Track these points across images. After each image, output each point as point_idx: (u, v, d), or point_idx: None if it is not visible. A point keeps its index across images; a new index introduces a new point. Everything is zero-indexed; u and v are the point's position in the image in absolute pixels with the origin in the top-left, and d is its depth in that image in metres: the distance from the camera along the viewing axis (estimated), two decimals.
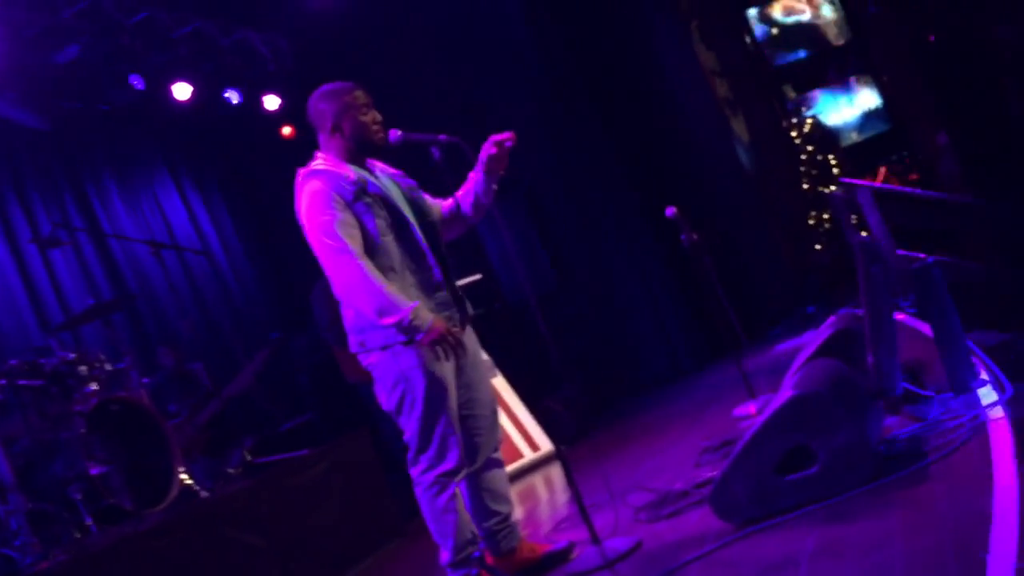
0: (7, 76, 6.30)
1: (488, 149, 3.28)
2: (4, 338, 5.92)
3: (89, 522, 4.32)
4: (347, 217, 3.07)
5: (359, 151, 3.24)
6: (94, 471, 4.42)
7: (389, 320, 3.00)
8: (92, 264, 6.98)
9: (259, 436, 6.29)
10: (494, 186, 3.36)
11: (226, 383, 6.27)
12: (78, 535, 4.22)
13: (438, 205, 3.43)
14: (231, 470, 5.40)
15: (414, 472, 3.18)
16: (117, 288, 7.03)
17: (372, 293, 3.00)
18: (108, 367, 4.89)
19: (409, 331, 3.01)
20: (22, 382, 4.42)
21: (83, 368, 4.73)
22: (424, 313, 3.03)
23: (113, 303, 5.76)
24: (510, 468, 5.69)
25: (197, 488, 4.84)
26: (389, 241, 3.13)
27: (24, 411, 4.32)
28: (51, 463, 4.50)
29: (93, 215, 7.21)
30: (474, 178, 3.34)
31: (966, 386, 3.29)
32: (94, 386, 4.74)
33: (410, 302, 3.02)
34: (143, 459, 4.74)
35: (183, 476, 4.78)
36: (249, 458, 5.38)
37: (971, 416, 3.01)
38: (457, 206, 3.36)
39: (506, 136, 3.27)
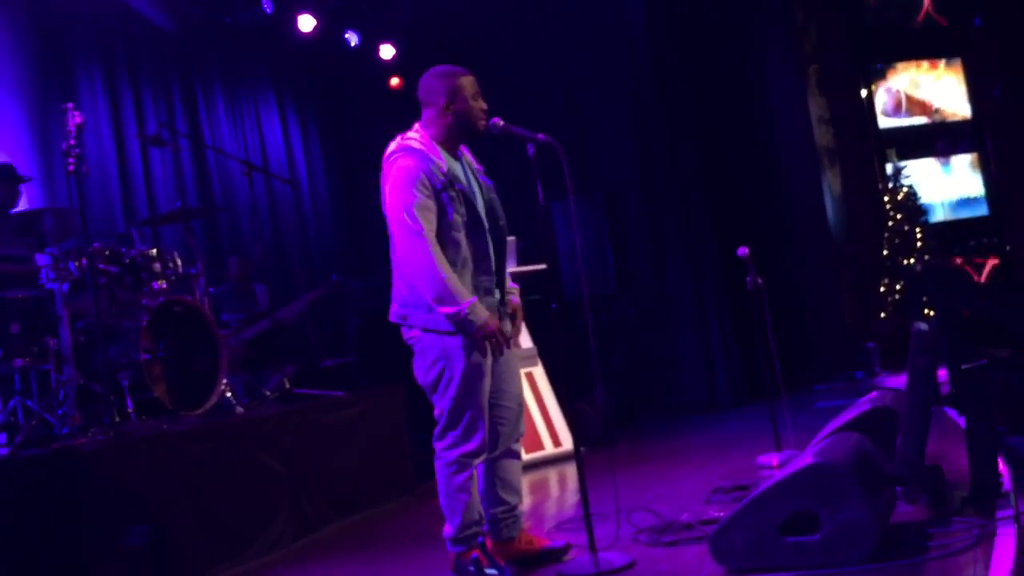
0: None
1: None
2: (91, 221, 6.20)
3: (130, 410, 4.57)
4: (429, 201, 3.20)
5: (459, 134, 3.37)
6: (145, 362, 4.66)
7: (446, 310, 3.13)
8: (186, 169, 7.25)
9: (301, 366, 6.52)
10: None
11: (279, 309, 6.50)
12: (118, 419, 4.43)
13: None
14: (268, 392, 5.62)
15: (438, 447, 3.33)
16: (204, 197, 7.30)
17: (436, 280, 3.13)
18: (180, 270, 5.12)
19: (462, 324, 3.14)
20: (101, 266, 4.63)
21: (157, 265, 4.95)
22: (480, 310, 3.16)
23: (198, 211, 6.00)
24: (529, 457, 5.83)
25: (234, 402, 5.06)
26: (461, 237, 3.26)
27: (96, 293, 4.52)
28: (108, 347, 4.72)
29: (197, 123, 7.47)
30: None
31: (986, 493, 3.32)
32: (163, 284, 4.97)
33: (469, 297, 3.16)
34: (192, 363, 4.96)
35: (224, 388, 5.00)
36: (288, 385, 5.58)
37: (981, 524, 3.05)
38: None
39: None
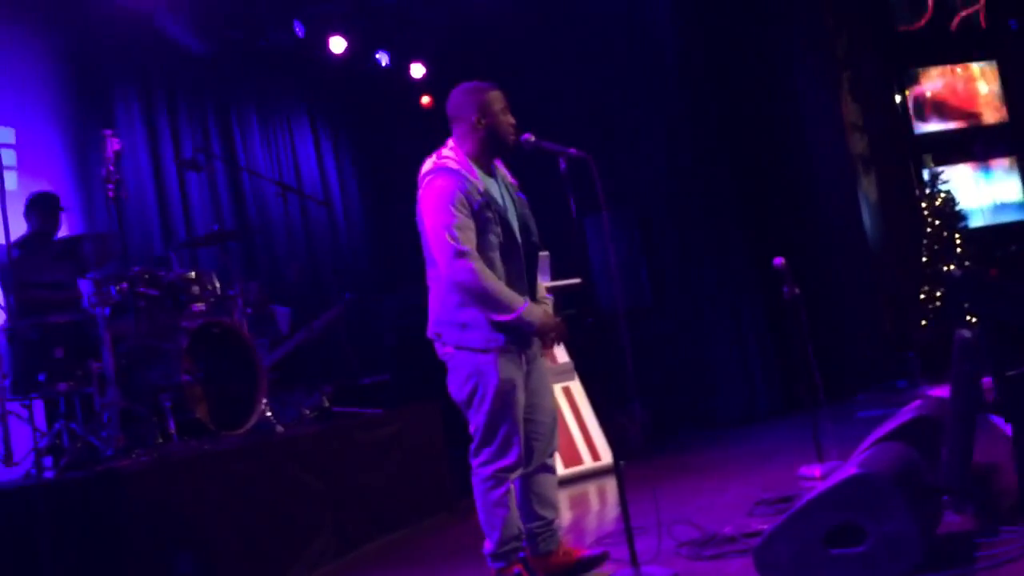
0: None
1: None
2: (130, 245, 6.30)
3: (173, 430, 4.62)
4: (468, 220, 3.23)
5: (491, 149, 3.40)
6: (186, 384, 4.72)
7: (502, 318, 3.20)
8: (222, 192, 7.36)
9: (339, 385, 6.54)
10: None
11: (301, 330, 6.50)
12: (160, 440, 4.50)
13: None
14: (307, 411, 5.66)
15: (474, 463, 3.34)
16: (240, 219, 7.40)
17: (486, 294, 3.18)
18: (218, 291, 5.18)
19: (521, 328, 3.23)
20: (141, 289, 4.70)
21: (196, 288, 5.03)
22: (535, 311, 3.25)
23: (235, 233, 6.07)
24: (568, 472, 5.82)
25: (274, 422, 5.10)
26: (496, 257, 3.29)
27: (137, 316, 4.60)
28: (150, 369, 4.78)
29: (232, 146, 7.59)
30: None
31: None
32: (202, 306, 5.03)
33: (522, 302, 3.21)
34: (232, 384, 5.00)
35: (264, 407, 5.04)
36: (326, 404, 5.62)
37: None
38: None
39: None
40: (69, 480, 3.99)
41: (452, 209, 3.21)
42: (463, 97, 3.41)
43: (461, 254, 3.18)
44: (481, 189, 3.29)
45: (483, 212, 3.26)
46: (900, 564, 2.78)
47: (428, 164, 3.37)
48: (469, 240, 3.21)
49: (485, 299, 3.18)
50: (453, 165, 3.32)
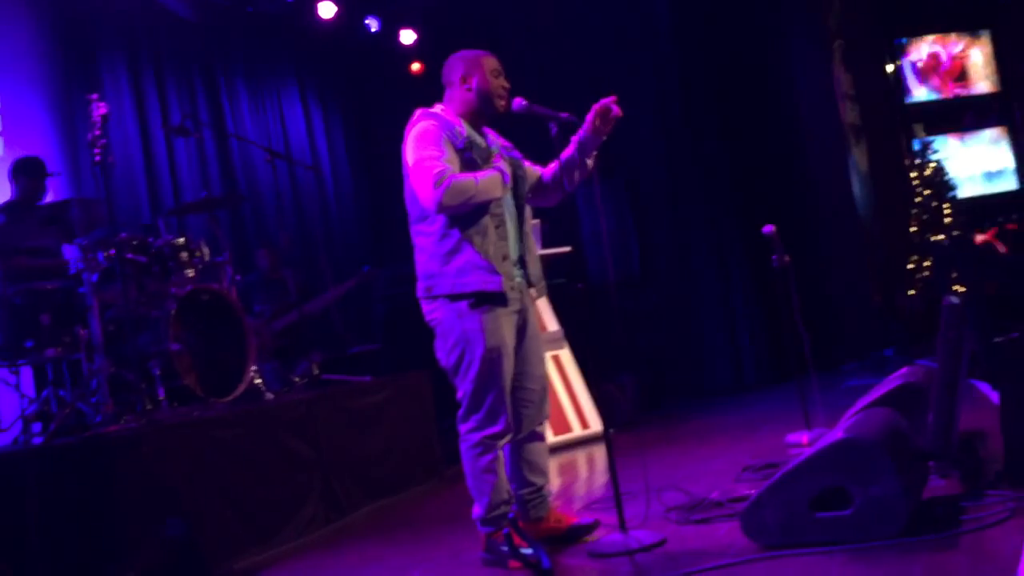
0: None
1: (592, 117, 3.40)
2: (118, 211, 6.25)
3: (162, 397, 4.61)
4: (453, 156, 3.23)
5: (479, 111, 3.38)
6: (175, 351, 4.70)
7: (499, 191, 3.20)
8: (210, 158, 7.29)
9: (328, 353, 6.55)
10: (589, 161, 3.47)
11: (309, 297, 6.53)
12: (149, 407, 4.48)
13: (537, 173, 3.58)
14: (296, 379, 5.66)
15: (462, 429, 3.34)
16: (228, 185, 7.34)
17: (475, 187, 3.16)
18: (207, 258, 5.15)
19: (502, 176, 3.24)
20: (129, 255, 4.65)
21: (184, 254, 4.98)
22: (500, 165, 3.28)
23: (223, 200, 6.03)
24: (557, 439, 5.84)
25: (264, 389, 5.09)
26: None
27: (125, 283, 4.55)
28: (138, 336, 4.76)
29: (220, 112, 7.50)
30: (569, 150, 3.47)
31: (1020, 466, 3.29)
32: (191, 273, 4.99)
33: (491, 168, 3.25)
34: (221, 351, 4.98)
35: (253, 375, 5.03)
36: (316, 372, 5.62)
37: (1016, 497, 3.02)
38: (552, 174, 3.53)
39: (609, 100, 3.38)
40: (57, 446, 3.99)
41: (436, 145, 3.21)
42: (456, 61, 3.42)
43: (442, 175, 3.12)
44: (464, 134, 3.29)
45: (466, 151, 3.26)
46: (886, 527, 2.81)
47: (415, 114, 3.37)
48: (451, 164, 3.20)
49: (476, 193, 3.15)
50: (438, 112, 3.35)
